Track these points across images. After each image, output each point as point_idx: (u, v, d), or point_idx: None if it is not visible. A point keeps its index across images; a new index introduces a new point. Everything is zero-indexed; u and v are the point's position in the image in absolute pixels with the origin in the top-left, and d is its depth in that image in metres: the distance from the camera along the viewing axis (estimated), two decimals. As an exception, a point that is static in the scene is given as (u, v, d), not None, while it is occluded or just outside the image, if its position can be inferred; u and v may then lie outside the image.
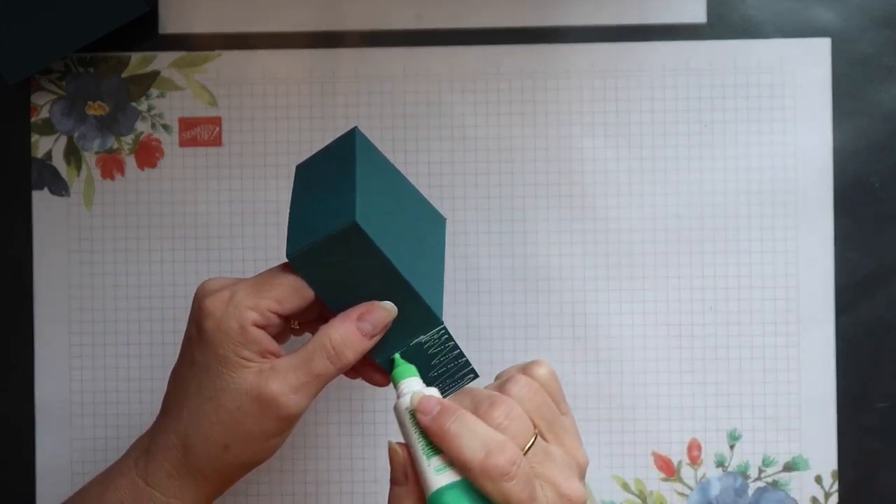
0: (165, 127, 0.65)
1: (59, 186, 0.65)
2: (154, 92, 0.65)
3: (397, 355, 0.51)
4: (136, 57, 0.65)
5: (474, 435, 0.45)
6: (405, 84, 0.65)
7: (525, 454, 0.45)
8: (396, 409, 0.49)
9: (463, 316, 0.64)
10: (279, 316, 0.49)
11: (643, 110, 0.64)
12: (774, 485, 0.64)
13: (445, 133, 0.65)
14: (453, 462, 0.45)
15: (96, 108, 0.65)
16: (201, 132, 0.65)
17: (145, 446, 0.51)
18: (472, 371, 0.53)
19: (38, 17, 0.61)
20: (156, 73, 0.65)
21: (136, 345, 0.64)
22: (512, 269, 0.64)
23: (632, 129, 0.64)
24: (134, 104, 0.65)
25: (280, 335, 0.52)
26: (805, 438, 0.64)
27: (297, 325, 0.53)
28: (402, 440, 0.48)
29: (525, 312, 0.64)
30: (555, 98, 0.65)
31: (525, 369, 0.49)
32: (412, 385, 0.49)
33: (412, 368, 0.51)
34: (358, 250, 0.49)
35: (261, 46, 0.65)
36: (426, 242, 0.55)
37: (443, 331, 0.51)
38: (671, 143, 0.64)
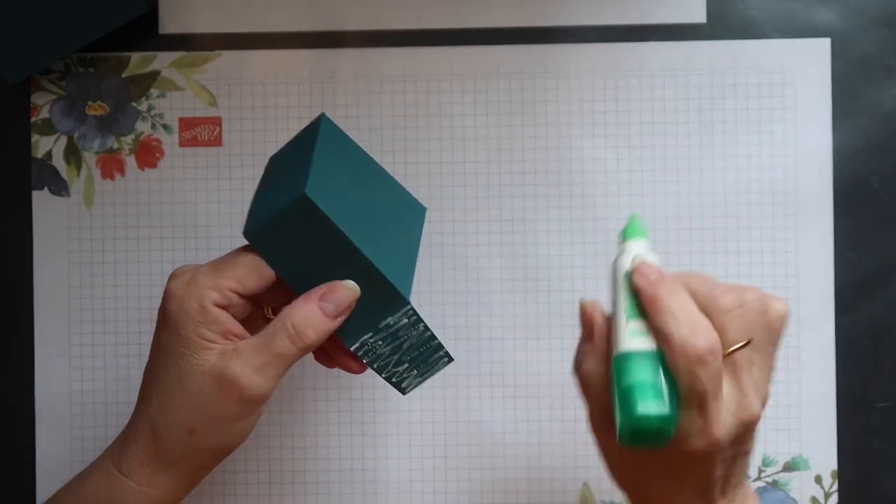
0: (165, 127, 0.65)
1: (59, 186, 0.65)
2: (154, 92, 0.65)
3: (635, 215, 0.49)
4: (136, 57, 0.65)
5: (684, 311, 0.44)
6: (405, 84, 0.65)
7: (730, 354, 0.45)
8: (614, 265, 0.48)
9: (463, 316, 0.64)
10: (240, 296, 0.49)
11: (643, 110, 0.64)
12: (774, 485, 0.64)
13: (445, 133, 0.65)
14: (654, 330, 0.45)
15: (96, 108, 0.65)
16: (201, 132, 0.65)
17: (122, 436, 0.52)
18: (446, 354, 0.53)
19: (38, 17, 0.61)
20: (156, 73, 0.65)
21: (136, 345, 0.64)
22: (512, 269, 0.64)
23: (632, 129, 0.64)
24: (134, 104, 0.65)
25: (250, 321, 0.52)
26: (805, 438, 0.64)
27: (270, 313, 0.53)
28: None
29: (525, 312, 0.64)
30: (555, 98, 0.65)
31: (766, 296, 0.48)
32: (637, 247, 0.48)
33: (642, 230, 0.49)
34: (312, 225, 0.48)
35: (261, 46, 0.65)
36: (398, 227, 0.54)
37: (410, 311, 0.51)
38: (671, 143, 0.64)
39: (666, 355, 0.44)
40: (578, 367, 0.48)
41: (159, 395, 0.49)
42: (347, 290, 0.50)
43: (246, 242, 0.51)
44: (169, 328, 0.49)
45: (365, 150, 0.64)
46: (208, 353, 0.48)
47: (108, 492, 0.50)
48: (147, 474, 0.50)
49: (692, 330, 0.44)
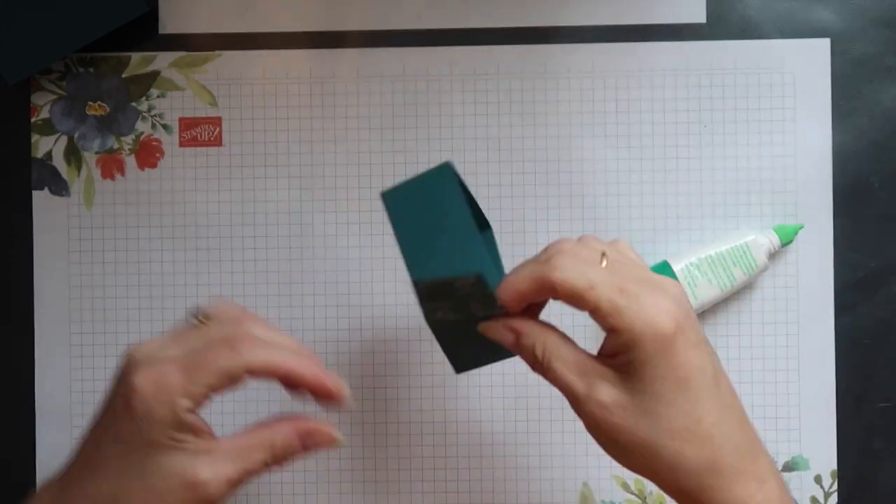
0: (165, 127, 0.65)
1: (59, 186, 0.65)
2: (154, 92, 0.65)
3: None
4: (136, 57, 0.65)
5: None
6: (405, 84, 0.65)
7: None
8: None
9: (463, 316, 0.64)
10: (211, 397, 0.47)
11: (643, 110, 0.64)
12: (774, 485, 0.64)
13: (445, 133, 0.65)
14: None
15: (96, 108, 0.65)
16: (201, 132, 0.65)
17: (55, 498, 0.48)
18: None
19: (38, 17, 0.61)
20: (156, 73, 0.65)
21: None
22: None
23: (632, 129, 0.64)
24: (134, 104, 0.65)
25: None
26: (805, 438, 0.64)
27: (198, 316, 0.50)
28: None
29: (525, 312, 0.64)
30: (555, 98, 0.65)
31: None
32: None
33: None
34: (445, 194, 0.49)
35: (261, 46, 0.65)
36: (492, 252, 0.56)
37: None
38: (671, 143, 0.64)
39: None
40: (544, 366, 0.48)
41: (114, 490, 0.46)
42: (330, 439, 0.49)
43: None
44: (133, 426, 0.46)
45: (365, 150, 0.64)
46: (179, 455, 0.46)
47: None
48: None
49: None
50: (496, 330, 0.49)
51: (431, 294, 0.49)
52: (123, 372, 0.47)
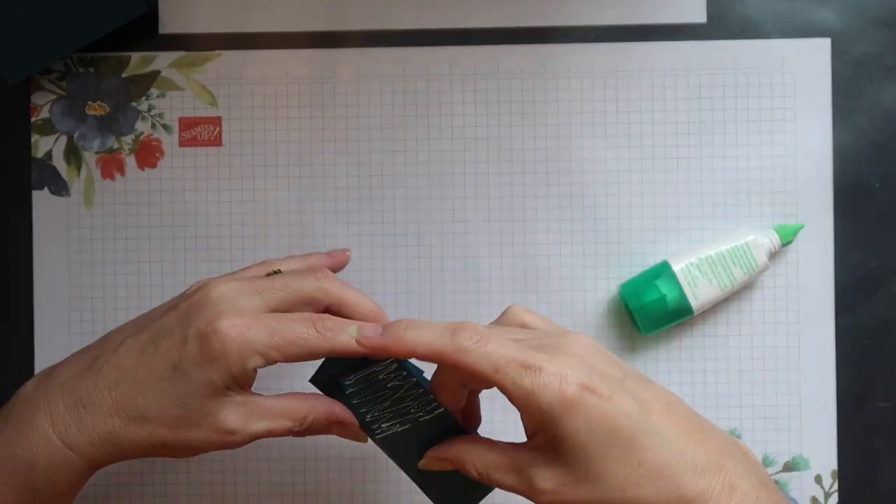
0: (165, 127, 0.65)
1: (59, 186, 0.65)
2: (154, 92, 0.65)
3: None
4: (136, 57, 0.65)
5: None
6: (405, 84, 0.65)
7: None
8: None
9: (463, 316, 0.64)
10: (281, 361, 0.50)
11: (643, 110, 0.64)
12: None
13: (445, 133, 0.65)
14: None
15: (96, 108, 0.65)
16: (201, 132, 0.65)
17: (63, 400, 0.49)
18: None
19: (38, 17, 0.61)
20: (156, 73, 0.65)
21: (136, 345, 0.64)
22: (512, 269, 0.64)
23: (632, 129, 0.64)
24: (134, 104, 0.65)
25: None
26: (805, 438, 0.64)
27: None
28: None
29: (525, 312, 0.64)
30: (555, 98, 0.65)
31: None
32: None
33: None
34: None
35: (261, 46, 0.65)
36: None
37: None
38: (671, 143, 0.64)
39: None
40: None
41: (148, 403, 0.49)
42: (356, 436, 0.52)
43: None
44: (200, 364, 0.48)
45: (365, 150, 0.64)
46: (224, 402, 0.49)
47: (46, 459, 0.49)
48: (92, 449, 0.49)
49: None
50: (435, 464, 0.50)
51: (362, 394, 0.51)
52: (205, 300, 0.49)
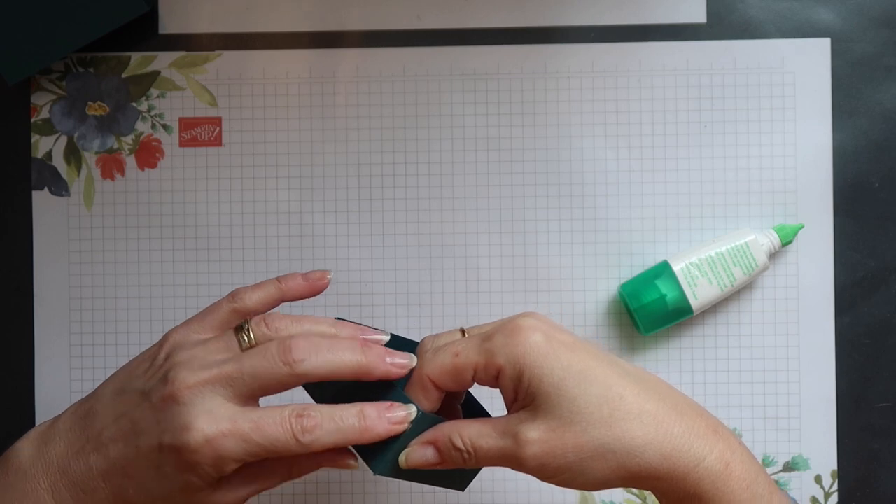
0: (165, 127, 0.65)
1: (59, 186, 0.65)
2: (154, 92, 0.65)
3: None
4: (136, 57, 0.65)
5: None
6: (405, 84, 0.65)
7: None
8: None
9: (463, 316, 0.64)
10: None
11: (643, 110, 0.64)
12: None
13: (445, 133, 0.65)
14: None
15: (96, 108, 0.65)
16: (201, 132, 0.65)
17: (62, 472, 0.49)
18: None
19: (38, 17, 0.61)
20: (156, 73, 0.65)
21: (136, 345, 0.64)
22: (512, 269, 0.64)
23: (632, 129, 0.64)
24: (134, 104, 0.65)
25: None
26: (805, 438, 0.64)
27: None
28: None
29: (525, 312, 0.64)
30: (555, 98, 0.65)
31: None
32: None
33: None
34: None
35: (261, 46, 0.65)
36: None
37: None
38: (671, 143, 0.64)
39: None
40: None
41: (138, 493, 0.48)
42: (346, 465, 0.51)
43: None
44: (178, 469, 0.47)
45: (365, 150, 0.64)
46: (210, 491, 0.49)
47: None
48: None
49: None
50: (417, 454, 0.49)
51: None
52: (171, 404, 0.47)
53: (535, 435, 0.45)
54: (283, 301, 0.53)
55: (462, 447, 0.48)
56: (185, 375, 0.47)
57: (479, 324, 0.51)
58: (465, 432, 0.48)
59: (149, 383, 0.49)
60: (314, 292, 0.54)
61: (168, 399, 0.47)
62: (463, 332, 0.51)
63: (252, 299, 0.52)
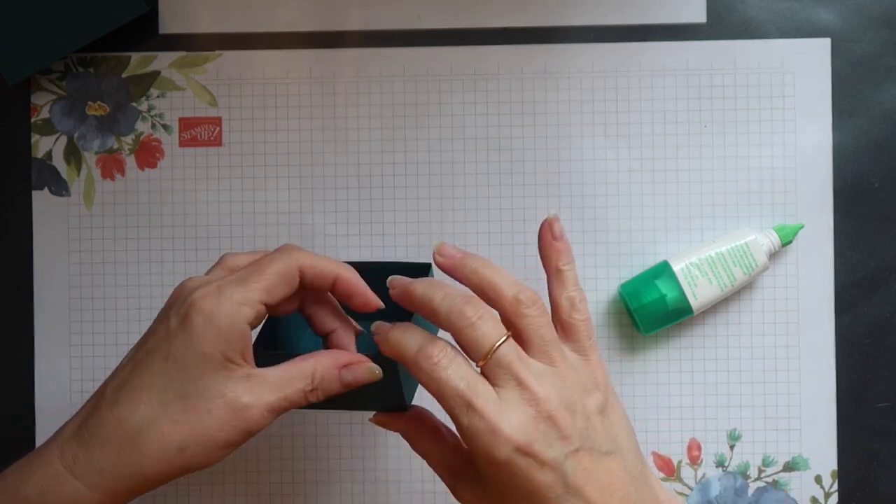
0: (165, 127, 0.65)
1: (59, 186, 0.65)
2: (154, 92, 0.65)
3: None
4: (136, 57, 0.65)
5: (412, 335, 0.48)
6: (405, 84, 0.65)
7: (492, 353, 0.47)
8: None
9: (463, 316, 0.64)
10: (267, 307, 0.48)
11: (643, 110, 0.64)
12: (774, 485, 0.64)
13: (445, 133, 0.65)
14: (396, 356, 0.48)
15: (96, 108, 0.65)
16: (201, 132, 0.65)
17: (72, 433, 0.47)
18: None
19: (38, 17, 0.61)
20: (156, 73, 0.65)
21: (136, 345, 0.64)
22: (512, 270, 0.64)
23: (632, 129, 0.64)
24: (134, 104, 0.65)
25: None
26: (805, 438, 0.64)
27: None
28: None
29: (525, 312, 0.64)
30: (555, 98, 0.65)
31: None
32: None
33: None
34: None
35: (261, 46, 0.65)
36: None
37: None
38: (671, 143, 0.64)
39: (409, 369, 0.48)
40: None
41: (152, 408, 0.46)
42: (370, 373, 0.50)
43: (263, 251, 0.51)
44: (189, 341, 0.46)
45: (365, 150, 0.64)
46: (227, 377, 0.46)
47: (55, 494, 0.46)
48: (104, 481, 0.46)
49: (420, 345, 0.48)
50: (382, 420, 0.53)
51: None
52: (179, 296, 0.48)
53: (469, 497, 0.49)
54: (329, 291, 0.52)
55: (417, 452, 0.52)
56: (187, 279, 0.50)
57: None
58: (420, 449, 0.52)
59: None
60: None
61: (173, 299, 0.49)
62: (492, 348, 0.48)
63: (241, 259, 0.53)
